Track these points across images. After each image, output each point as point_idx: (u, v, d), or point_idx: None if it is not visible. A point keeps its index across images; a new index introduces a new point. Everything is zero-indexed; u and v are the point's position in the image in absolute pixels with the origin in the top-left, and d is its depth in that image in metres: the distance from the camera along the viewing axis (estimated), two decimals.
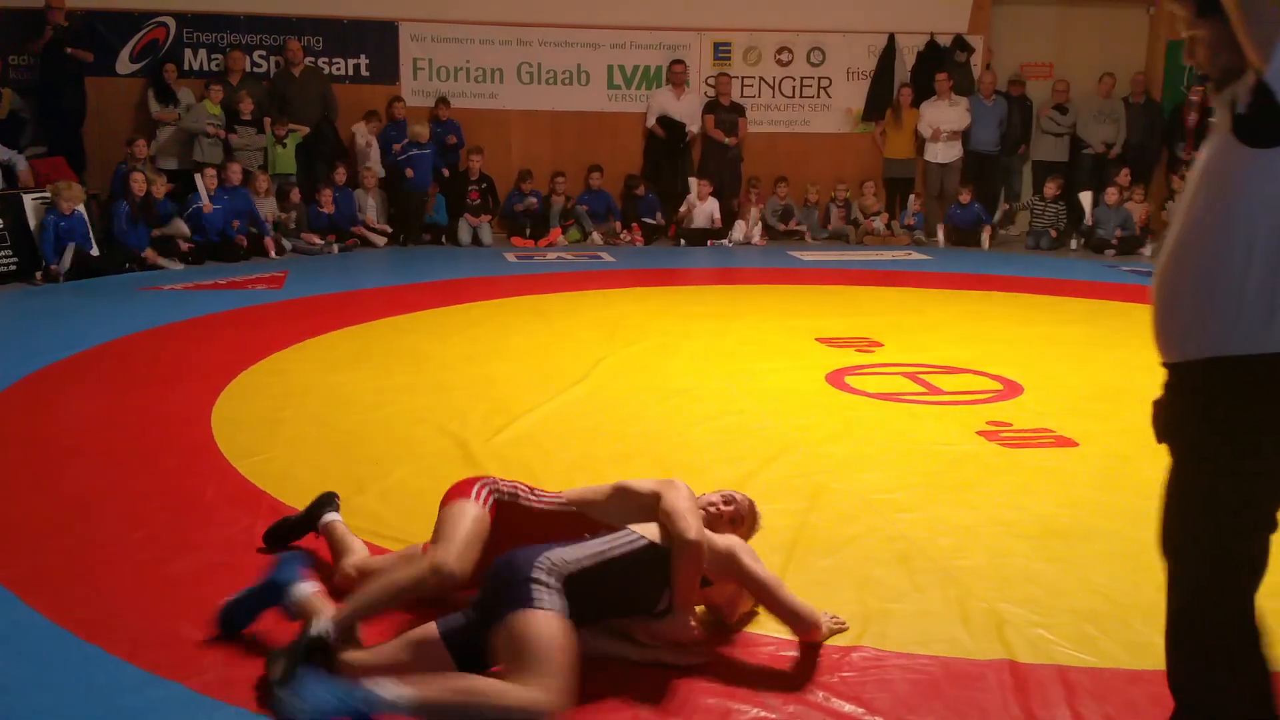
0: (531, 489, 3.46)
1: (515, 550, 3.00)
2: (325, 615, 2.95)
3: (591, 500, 3.43)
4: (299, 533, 3.95)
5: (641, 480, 3.44)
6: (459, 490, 3.36)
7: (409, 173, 12.99)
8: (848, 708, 2.96)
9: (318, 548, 3.86)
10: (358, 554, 3.61)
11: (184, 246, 11.20)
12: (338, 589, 3.41)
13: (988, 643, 3.35)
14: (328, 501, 3.93)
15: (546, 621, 2.73)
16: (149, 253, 10.79)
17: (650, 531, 3.16)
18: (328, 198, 12.65)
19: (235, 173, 12.00)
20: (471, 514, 3.22)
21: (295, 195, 12.59)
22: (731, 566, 3.22)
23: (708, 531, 3.21)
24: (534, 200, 13.54)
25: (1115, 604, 3.63)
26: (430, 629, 2.95)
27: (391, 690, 2.62)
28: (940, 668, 3.19)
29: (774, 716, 2.90)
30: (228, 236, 11.55)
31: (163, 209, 11.26)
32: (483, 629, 2.86)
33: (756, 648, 3.28)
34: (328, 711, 2.52)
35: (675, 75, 14.18)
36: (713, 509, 3.42)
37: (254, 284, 10.09)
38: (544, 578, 2.85)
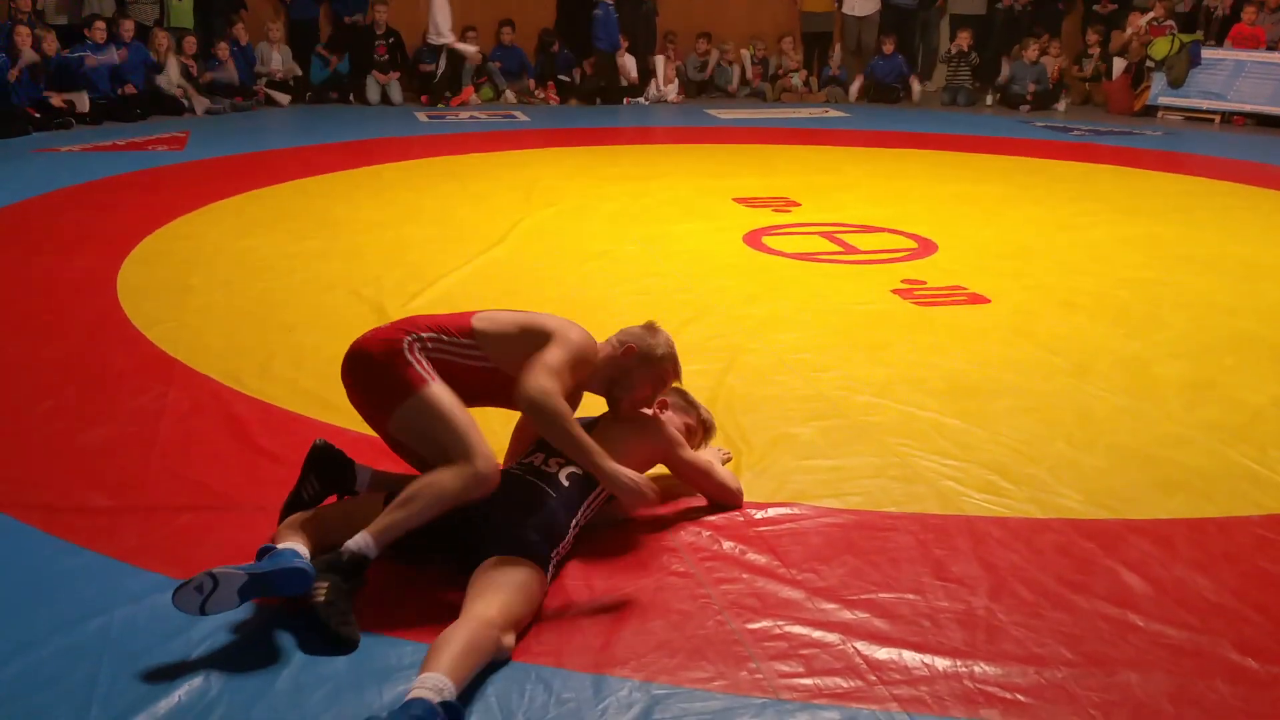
0: (444, 332, 3.14)
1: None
2: (361, 532, 2.72)
3: (501, 342, 3.14)
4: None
5: (544, 322, 3.16)
6: (403, 370, 3.00)
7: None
8: (762, 560, 3.03)
9: None
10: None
11: (78, 108, 10.75)
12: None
13: (900, 496, 3.44)
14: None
15: (541, 584, 2.72)
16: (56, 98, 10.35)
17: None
18: (224, 52, 12.18)
19: (128, 28, 11.47)
20: (458, 405, 2.98)
21: (191, 47, 12.11)
22: (662, 458, 3.26)
23: (657, 421, 3.23)
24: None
25: (1022, 456, 3.74)
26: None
27: (357, 543, 2.72)
28: (853, 520, 3.28)
29: (691, 569, 2.96)
30: (122, 94, 11.09)
31: (59, 62, 10.74)
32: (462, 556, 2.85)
33: (675, 504, 3.34)
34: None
35: None
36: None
37: (154, 145, 9.74)
38: (537, 538, 2.81)
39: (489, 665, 2.50)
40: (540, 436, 3.11)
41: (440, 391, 3.00)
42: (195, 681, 2.46)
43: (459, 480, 2.85)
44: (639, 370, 3.23)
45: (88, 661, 2.53)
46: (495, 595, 2.60)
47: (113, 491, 3.34)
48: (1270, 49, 12.80)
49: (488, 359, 3.13)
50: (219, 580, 2.57)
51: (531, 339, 3.11)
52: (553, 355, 3.04)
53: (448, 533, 2.88)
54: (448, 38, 12.89)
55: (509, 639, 2.56)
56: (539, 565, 2.74)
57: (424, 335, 3.12)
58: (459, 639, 2.45)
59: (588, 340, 3.17)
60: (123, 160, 8.98)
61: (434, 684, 2.32)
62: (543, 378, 2.97)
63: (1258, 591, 2.93)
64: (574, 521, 2.95)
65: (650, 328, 3.30)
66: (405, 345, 3.07)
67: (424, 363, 3.06)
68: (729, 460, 3.61)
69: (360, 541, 2.74)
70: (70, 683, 2.46)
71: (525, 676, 2.51)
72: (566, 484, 2.97)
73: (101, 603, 2.76)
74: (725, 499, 3.33)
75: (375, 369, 3.07)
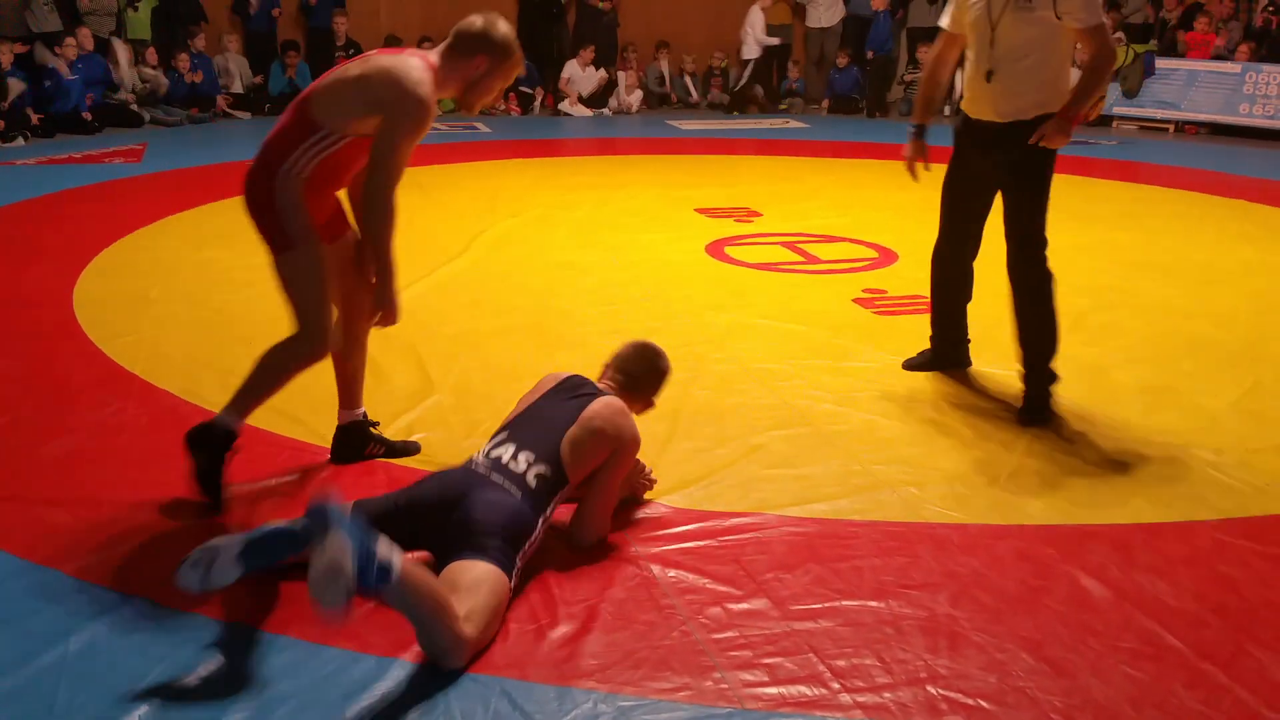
0: (298, 144, 3.23)
1: (478, 493, 2.86)
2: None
3: (342, 111, 3.23)
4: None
5: (372, 80, 3.21)
6: (279, 220, 3.27)
7: None
8: (726, 569, 3.04)
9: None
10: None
11: (34, 120, 10.63)
12: None
13: (863, 504, 3.46)
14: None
15: (504, 585, 2.71)
16: None
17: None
18: (185, 63, 12.09)
19: (86, 37, 11.36)
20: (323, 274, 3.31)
21: (152, 57, 12.03)
22: (609, 452, 3.14)
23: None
24: None
25: (982, 463, 3.77)
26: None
27: (386, 550, 2.44)
28: (817, 529, 3.29)
29: (655, 580, 2.97)
30: (80, 109, 10.99)
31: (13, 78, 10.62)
32: (419, 536, 2.87)
33: (639, 515, 3.34)
34: (352, 541, 2.36)
35: None
36: None
37: (111, 158, 9.66)
38: (501, 544, 2.76)
39: (448, 678, 2.50)
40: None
41: (312, 254, 3.26)
42: (154, 702, 2.43)
43: (294, 355, 3.29)
44: (489, 72, 3.38)
45: (45, 681, 2.49)
46: (461, 600, 2.59)
47: (72, 508, 3.30)
48: (1220, 58, 13.00)
49: (343, 133, 3.23)
50: (217, 548, 2.61)
51: (366, 96, 3.21)
52: (395, 142, 3.17)
53: (420, 532, 2.86)
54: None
55: (469, 628, 2.55)
56: (503, 571, 2.73)
57: (289, 162, 3.23)
58: (438, 585, 2.54)
59: (425, 91, 3.20)
60: (79, 173, 8.89)
61: (387, 550, 2.42)
62: (388, 180, 3.19)
63: (1216, 595, 2.97)
64: (541, 519, 2.93)
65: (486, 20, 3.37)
66: (278, 183, 3.23)
67: (297, 210, 3.23)
68: (650, 487, 3.46)
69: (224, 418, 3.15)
70: (27, 703, 2.42)
71: (489, 690, 2.50)
72: (534, 485, 2.95)
73: (59, 621, 2.72)
74: (587, 530, 3.13)
75: (258, 214, 3.31)
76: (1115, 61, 4.25)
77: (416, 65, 3.23)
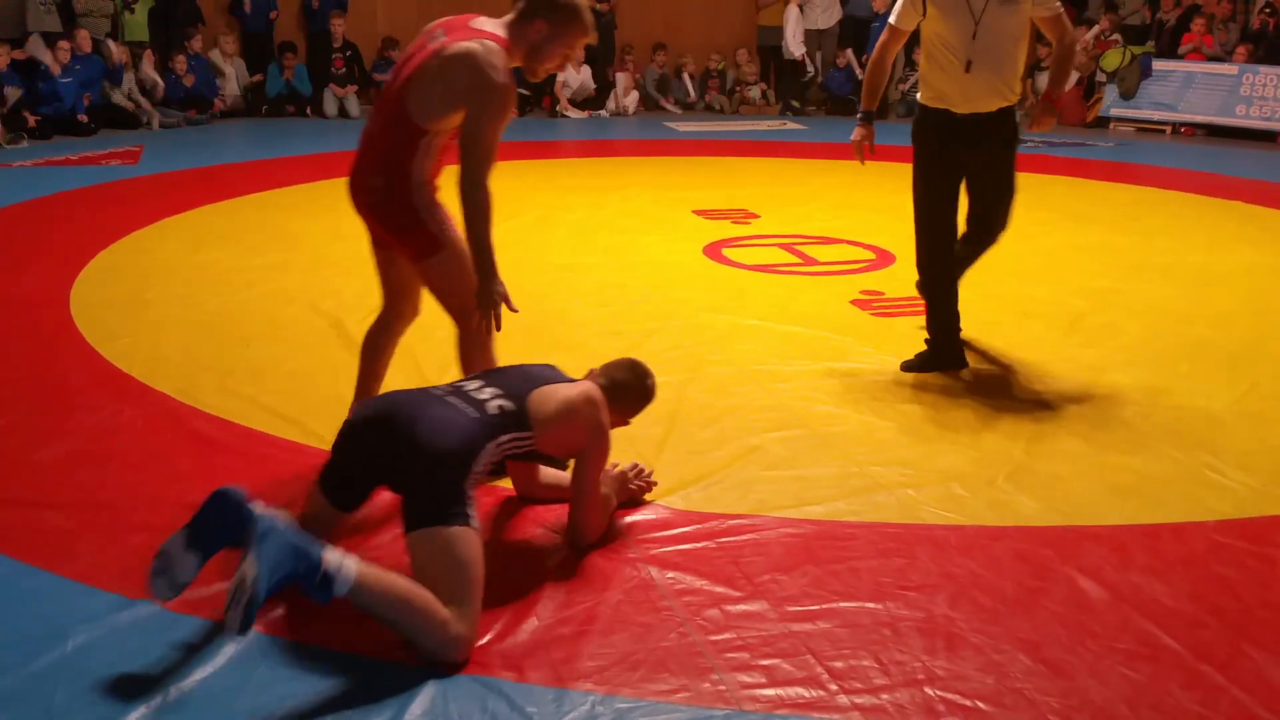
0: (396, 140, 3.37)
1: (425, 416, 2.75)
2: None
3: (429, 106, 3.30)
4: None
5: (455, 71, 3.24)
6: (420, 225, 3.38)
7: None
8: (723, 571, 3.03)
9: None
10: None
11: (30, 122, 10.62)
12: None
13: (860, 505, 3.46)
14: None
15: (471, 542, 2.65)
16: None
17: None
18: (182, 65, 12.09)
19: (84, 39, 11.35)
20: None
21: (150, 59, 12.02)
22: (583, 446, 3.08)
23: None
24: None
25: (980, 464, 3.77)
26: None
27: (335, 559, 2.48)
28: (814, 530, 3.29)
29: (653, 581, 2.97)
30: (77, 111, 10.98)
31: (9, 83, 10.61)
32: (374, 484, 2.85)
33: (637, 517, 3.34)
34: (282, 560, 2.41)
35: None
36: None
37: (107, 159, 9.66)
38: (450, 480, 2.68)
39: (446, 679, 2.51)
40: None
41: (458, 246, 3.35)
42: (153, 704, 2.43)
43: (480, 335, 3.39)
44: (550, 36, 3.36)
45: (44, 684, 2.49)
46: (439, 595, 2.57)
47: (69, 511, 3.30)
48: (1217, 59, 13.02)
49: (442, 129, 3.34)
50: (167, 550, 2.60)
51: (450, 87, 3.25)
52: (481, 129, 3.21)
53: (368, 457, 2.79)
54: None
55: (461, 627, 2.56)
56: (464, 525, 2.64)
57: (413, 170, 3.36)
58: (407, 584, 2.54)
59: (503, 77, 3.21)
60: (76, 175, 8.89)
61: (338, 559, 2.45)
62: (478, 167, 3.24)
63: (1213, 596, 2.97)
64: (492, 443, 2.82)
65: None
66: (414, 195, 3.36)
67: (435, 209, 3.39)
68: (649, 489, 3.48)
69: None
70: (26, 705, 2.42)
71: (487, 691, 2.50)
72: (493, 412, 2.86)
73: (58, 624, 2.72)
74: (581, 533, 3.12)
75: (404, 231, 3.39)
76: (1077, 44, 4.60)
77: (494, 48, 3.23)
